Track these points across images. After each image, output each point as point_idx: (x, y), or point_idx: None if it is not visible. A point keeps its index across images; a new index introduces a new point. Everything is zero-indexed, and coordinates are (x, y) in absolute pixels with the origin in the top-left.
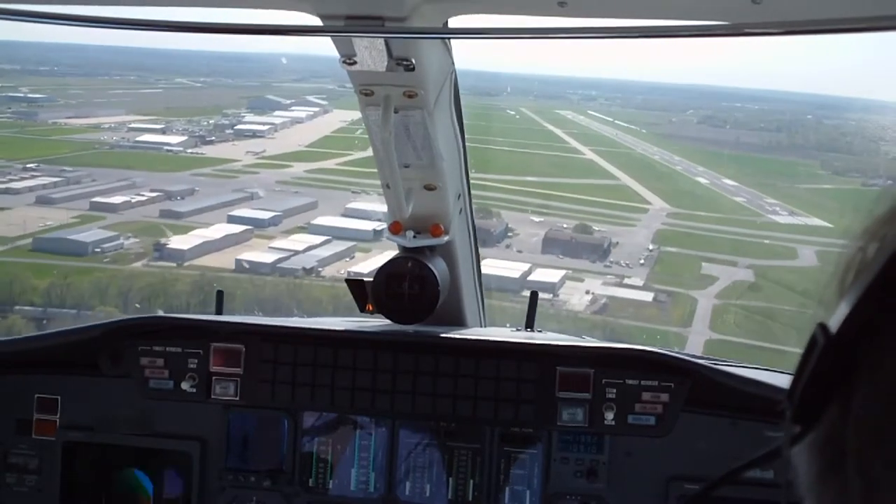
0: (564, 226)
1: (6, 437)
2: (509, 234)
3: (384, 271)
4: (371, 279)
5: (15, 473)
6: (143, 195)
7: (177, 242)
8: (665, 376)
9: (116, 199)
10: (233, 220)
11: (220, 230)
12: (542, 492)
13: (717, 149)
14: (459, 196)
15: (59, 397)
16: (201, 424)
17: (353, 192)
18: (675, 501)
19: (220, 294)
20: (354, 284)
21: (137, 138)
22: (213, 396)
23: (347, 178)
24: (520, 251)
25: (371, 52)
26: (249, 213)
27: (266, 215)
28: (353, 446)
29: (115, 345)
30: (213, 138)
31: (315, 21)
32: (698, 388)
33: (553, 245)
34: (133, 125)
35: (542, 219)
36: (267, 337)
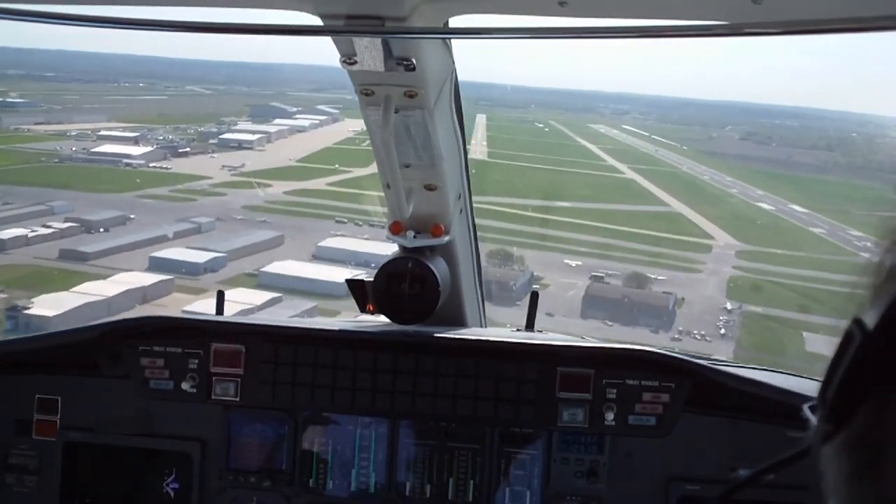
0: (610, 273)
1: (6, 438)
2: (535, 285)
3: (384, 271)
4: (371, 279)
5: (15, 474)
6: (50, 226)
7: (44, 306)
8: (665, 377)
9: (9, 234)
10: (155, 264)
11: (121, 281)
12: (543, 492)
13: (769, 168)
14: (460, 196)
15: (59, 398)
16: (201, 425)
17: (336, 220)
18: (675, 502)
19: (220, 294)
20: (355, 285)
21: (95, 149)
22: (213, 397)
23: (335, 201)
24: (550, 314)
25: (371, 51)
26: (181, 254)
27: (203, 258)
28: (353, 446)
29: (116, 345)
30: (188, 149)
31: (315, 21)
32: (698, 388)
33: (597, 305)
34: (105, 132)
35: (579, 262)
36: (267, 337)
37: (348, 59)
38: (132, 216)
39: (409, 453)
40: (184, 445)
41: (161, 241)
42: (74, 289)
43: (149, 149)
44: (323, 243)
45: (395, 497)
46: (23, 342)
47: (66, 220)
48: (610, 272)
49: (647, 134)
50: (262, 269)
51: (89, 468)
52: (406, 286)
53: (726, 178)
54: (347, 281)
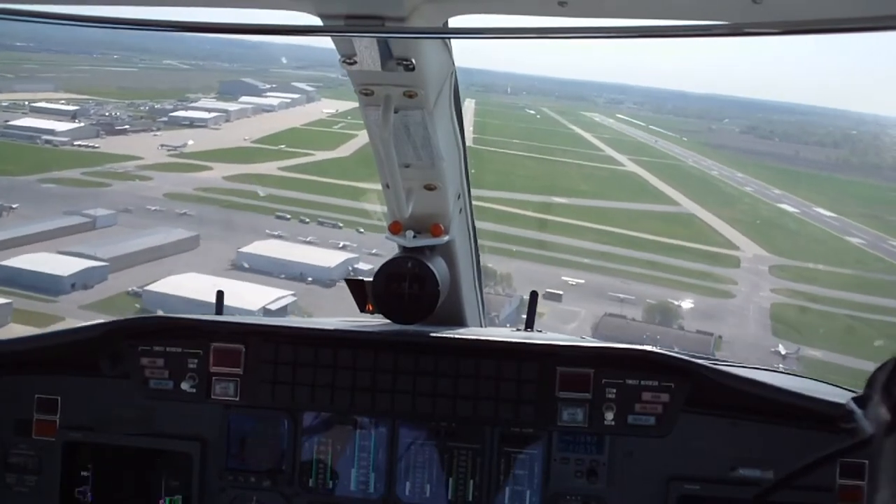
0: (622, 298)
1: (6, 438)
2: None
3: (384, 271)
4: (371, 279)
5: (15, 473)
6: None
7: None
8: (665, 376)
9: None
10: (4, 277)
11: None
12: (543, 492)
13: (778, 163)
14: (459, 196)
15: (59, 397)
16: (201, 424)
17: (277, 215)
18: (675, 502)
19: (219, 294)
20: (354, 284)
21: (13, 122)
22: (213, 396)
23: (283, 190)
24: None
25: (371, 51)
26: (45, 262)
27: (74, 268)
28: (353, 446)
29: (116, 345)
30: (127, 127)
31: (315, 21)
32: (698, 388)
33: None
34: (42, 105)
35: (581, 280)
36: (267, 337)
37: (348, 58)
38: (14, 206)
39: (408, 453)
40: (184, 445)
41: (32, 240)
42: None
43: (80, 124)
44: (246, 249)
45: (395, 497)
46: (23, 342)
47: None
48: (622, 295)
49: (643, 124)
50: (146, 288)
51: (89, 469)
52: (405, 286)
53: (737, 175)
54: (347, 280)
